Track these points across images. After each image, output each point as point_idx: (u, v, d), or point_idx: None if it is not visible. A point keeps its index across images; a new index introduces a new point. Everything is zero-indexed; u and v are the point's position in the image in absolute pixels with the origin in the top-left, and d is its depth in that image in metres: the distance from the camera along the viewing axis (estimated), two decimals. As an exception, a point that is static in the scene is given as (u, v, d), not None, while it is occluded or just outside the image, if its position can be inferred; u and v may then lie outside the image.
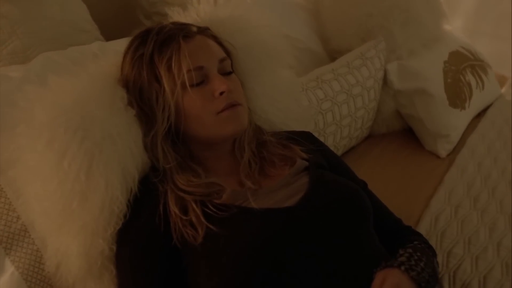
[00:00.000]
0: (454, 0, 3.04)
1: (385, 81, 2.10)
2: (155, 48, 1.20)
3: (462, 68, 2.25)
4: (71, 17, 1.76)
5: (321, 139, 1.50)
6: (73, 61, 1.45)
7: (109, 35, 1.81)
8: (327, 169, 1.31)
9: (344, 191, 1.20)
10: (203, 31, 1.27)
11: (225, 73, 1.24)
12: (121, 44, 1.30)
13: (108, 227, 1.15)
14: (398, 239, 1.27)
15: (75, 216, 1.13)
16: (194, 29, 1.25)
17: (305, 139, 1.36)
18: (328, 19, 2.25)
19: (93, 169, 1.13)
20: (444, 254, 1.50)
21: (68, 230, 1.14)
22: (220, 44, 1.29)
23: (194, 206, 1.12)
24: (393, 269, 1.09)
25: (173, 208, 1.12)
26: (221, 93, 1.18)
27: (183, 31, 1.22)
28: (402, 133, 2.19)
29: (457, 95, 2.15)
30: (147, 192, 1.17)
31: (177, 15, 1.40)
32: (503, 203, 1.72)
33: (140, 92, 1.21)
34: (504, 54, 2.85)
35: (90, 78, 1.23)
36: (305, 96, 1.75)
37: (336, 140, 1.87)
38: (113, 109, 1.19)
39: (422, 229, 1.57)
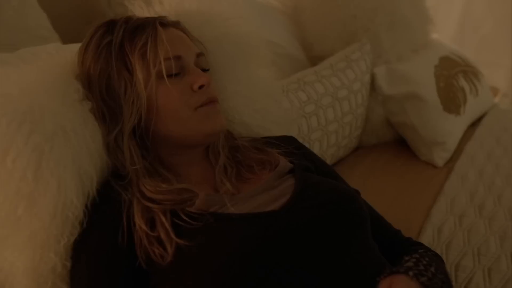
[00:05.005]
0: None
1: (373, 87, 2.04)
2: (125, 35, 1.10)
3: (454, 73, 2.20)
4: (29, 24, 1.68)
5: (306, 146, 1.37)
6: (25, 61, 1.31)
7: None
8: (314, 173, 1.20)
9: (336, 193, 1.10)
10: (175, 24, 1.17)
11: (202, 70, 1.14)
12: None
13: (61, 237, 1.00)
14: (399, 250, 1.16)
15: (21, 224, 0.98)
16: (167, 20, 1.16)
17: (287, 143, 1.24)
18: (309, 23, 2.21)
19: (43, 167, 0.99)
20: (451, 268, 1.40)
21: (13, 243, 0.99)
22: (191, 40, 1.19)
23: (163, 218, 1.00)
24: (400, 275, 0.98)
25: (139, 221, 0.99)
26: (200, 87, 1.08)
27: (159, 18, 1.13)
28: (393, 144, 2.11)
29: (451, 100, 2.09)
30: (108, 199, 1.04)
31: (139, 9, 1.30)
32: (512, 210, 1.65)
33: (107, 83, 1.09)
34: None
35: (40, 70, 1.11)
36: (286, 98, 1.66)
37: (322, 147, 1.79)
38: (66, 100, 1.07)
39: (425, 241, 1.46)
